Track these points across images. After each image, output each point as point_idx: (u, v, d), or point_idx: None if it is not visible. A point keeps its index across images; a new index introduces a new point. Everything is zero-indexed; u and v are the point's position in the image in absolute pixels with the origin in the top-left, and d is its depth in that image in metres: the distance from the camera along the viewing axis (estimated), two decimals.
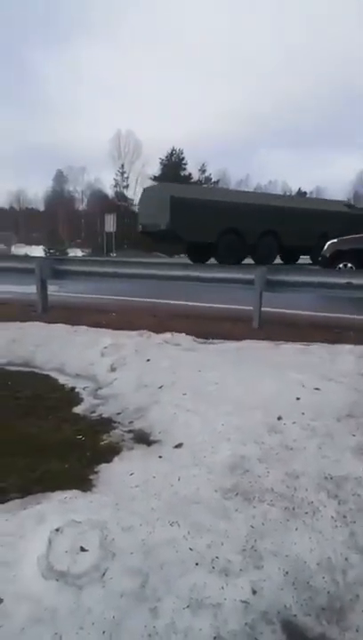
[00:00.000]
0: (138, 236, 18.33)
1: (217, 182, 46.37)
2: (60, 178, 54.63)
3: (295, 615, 1.32)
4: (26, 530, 1.57)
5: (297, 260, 17.13)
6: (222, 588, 1.36)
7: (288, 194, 41.71)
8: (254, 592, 1.36)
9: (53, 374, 3.70)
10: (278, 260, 16.33)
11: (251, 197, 16.96)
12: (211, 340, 4.36)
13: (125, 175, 48.63)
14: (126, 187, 48.93)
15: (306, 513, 1.73)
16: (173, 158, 47.62)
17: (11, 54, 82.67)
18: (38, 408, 2.98)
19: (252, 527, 1.64)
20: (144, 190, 16.59)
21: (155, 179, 46.91)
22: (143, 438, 2.54)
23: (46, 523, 1.59)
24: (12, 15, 71.23)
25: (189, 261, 15.00)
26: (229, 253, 14.21)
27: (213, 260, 14.90)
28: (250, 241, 14.65)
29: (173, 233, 13.87)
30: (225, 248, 14.27)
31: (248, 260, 14.93)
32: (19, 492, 1.95)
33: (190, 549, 1.51)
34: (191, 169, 48.09)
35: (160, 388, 3.10)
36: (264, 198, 17.54)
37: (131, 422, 2.76)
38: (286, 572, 1.45)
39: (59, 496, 1.84)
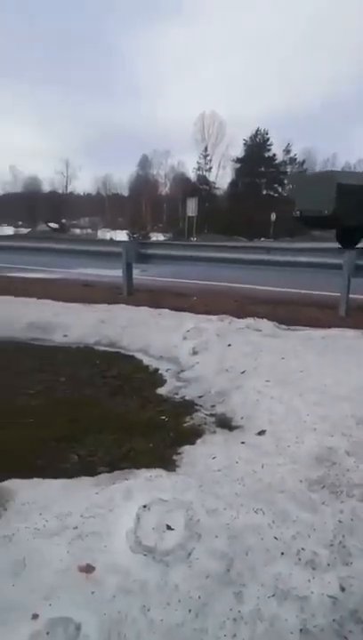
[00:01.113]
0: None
1: (303, 162, 44.61)
2: (144, 162, 55.48)
3: None
4: (115, 504, 1.64)
5: None
6: (309, 580, 1.33)
7: None
8: (343, 589, 1.32)
9: (138, 355, 3.81)
10: None
11: None
12: (294, 327, 4.24)
13: (208, 158, 48.38)
14: (209, 169, 48.71)
15: None
16: (258, 139, 46.50)
17: (96, 41, 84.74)
18: (124, 387, 3.10)
19: (340, 522, 1.58)
20: (304, 177, 16.53)
21: (238, 160, 46.22)
22: (225, 423, 2.54)
23: (133, 499, 1.64)
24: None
25: (270, 245, 14.79)
26: None
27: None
28: None
29: (335, 218, 13.87)
30: None
31: None
32: (107, 466, 2.05)
33: (275, 538, 1.49)
34: (275, 149, 46.74)
35: (242, 373, 3.08)
36: None
37: (213, 406, 2.77)
38: None
39: (144, 474, 1.90)
